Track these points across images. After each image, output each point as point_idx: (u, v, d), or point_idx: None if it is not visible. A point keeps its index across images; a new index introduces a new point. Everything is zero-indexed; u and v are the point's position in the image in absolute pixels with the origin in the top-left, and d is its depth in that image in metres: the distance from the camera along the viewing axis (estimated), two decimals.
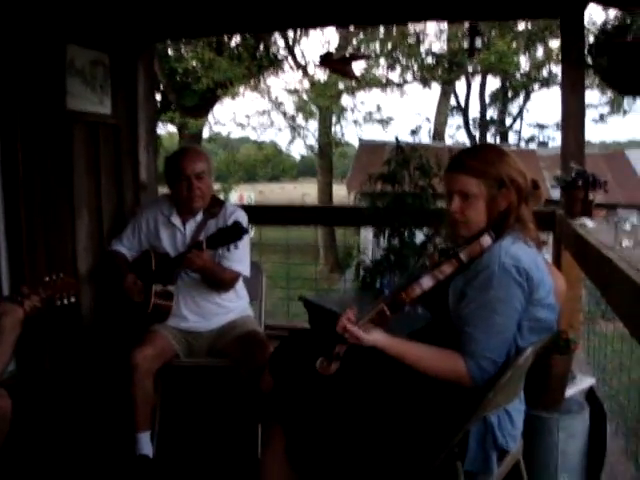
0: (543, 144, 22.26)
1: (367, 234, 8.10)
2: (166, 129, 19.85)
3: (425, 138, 17.26)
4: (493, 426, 2.05)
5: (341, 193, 19.33)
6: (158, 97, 15.39)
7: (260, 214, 4.62)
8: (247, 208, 3.36)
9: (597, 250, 2.37)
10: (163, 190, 3.53)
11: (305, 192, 32.06)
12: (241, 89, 15.74)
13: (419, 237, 3.97)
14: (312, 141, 18.21)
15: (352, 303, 2.16)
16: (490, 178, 2.05)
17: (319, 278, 13.57)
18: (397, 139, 4.17)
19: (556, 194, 3.99)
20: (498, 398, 1.97)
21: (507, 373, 1.93)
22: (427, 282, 2.05)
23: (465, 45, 11.88)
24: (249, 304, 3.47)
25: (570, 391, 2.92)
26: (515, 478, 2.35)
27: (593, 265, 2.51)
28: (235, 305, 3.32)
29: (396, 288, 2.13)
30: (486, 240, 2.05)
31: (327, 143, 17.22)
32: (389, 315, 2.05)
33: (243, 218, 3.19)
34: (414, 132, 5.47)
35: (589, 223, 3.32)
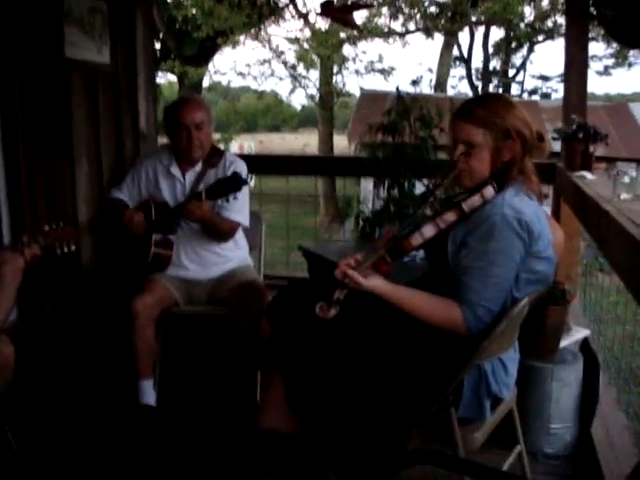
0: (546, 96, 22.13)
1: (367, 185, 8.07)
2: (166, 78, 19.73)
3: (427, 89, 17.09)
4: (487, 374, 2.09)
5: (342, 144, 19.21)
6: (157, 46, 15.20)
7: (260, 164, 4.61)
8: (247, 158, 3.35)
9: (595, 203, 2.38)
10: (163, 140, 3.52)
11: (306, 142, 31.90)
12: (241, 38, 15.52)
13: (419, 188, 3.98)
14: (313, 91, 18.08)
15: (352, 253, 2.16)
16: (496, 129, 2.04)
17: (319, 228, 13.65)
18: (397, 89, 4.14)
19: (557, 146, 3.99)
20: (493, 347, 1.99)
21: (502, 323, 1.95)
22: (428, 231, 2.06)
23: None
24: (248, 254, 3.49)
25: (565, 342, 2.96)
26: (509, 425, 2.40)
27: (591, 218, 2.52)
28: (234, 254, 3.34)
29: (397, 235, 2.12)
30: (489, 191, 2.04)
31: (328, 93, 17.05)
32: (389, 262, 2.07)
33: (242, 168, 3.19)
34: (415, 82, 5.36)
35: (588, 176, 3.33)
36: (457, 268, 2.03)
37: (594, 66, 21.42)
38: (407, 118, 4.01)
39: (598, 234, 2.32)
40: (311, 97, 18.47)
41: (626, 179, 2.98)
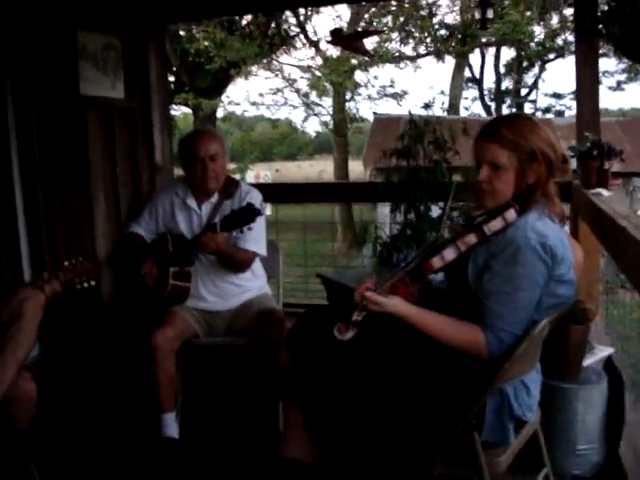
0: (560, 114, 22.09)
1: (384, 210, 8.08)
2: (180, 110, 19.90)
3: (439, 111, 17.14)
4: (509, 397, 2.07)
5: (358, 169, 19.29)
6: (171, 79, 15.39)
7: (277, 192, 4.64)
8: (263, 186, 3.38)
9: (611, 219, 2.36)
10: (179, 172, 3.55)
11: (322, 169, 31.98)
12: (254, 68, 15.69)
13: (434, 211, 3.98)
14: (327, 118, 18.17)
15: (370, 278, 2.16)
16: (522, 151, 2.04)
17: (337, 255, 13.65)
18: (410, 113, 4.16)
19: (573, 164, 3.98)
20: (514, 369, 1.98)
21: (522, 344, 1.94)
22: (449, 253, 2.06)
23: (477, 16, 11.73)
24: (267, 283, 3.51)
25: (588, 361, 2.92)
26: (534, 448, 2.37)
27: (608, 234, 2.50)
28: (252, 284, 3.35)
29: (417, 257, 2.13)
30: (511, 214, 2.04)
31: (342, 119, 17.11)
32: (410, 284, 2.08)
33: (257, 198, 3.21)
34: (427, 106, 5.34)
35: (605, 193, 3.31)
36: (479, 291, 2.02)
37: (606, 82, 21.43)
38: (420, 142, 4.02)
39: (616, 251, 2.30)
40: (325, 124, 18.59)
41: None
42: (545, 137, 2.08)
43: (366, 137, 16.45)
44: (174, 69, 14.82)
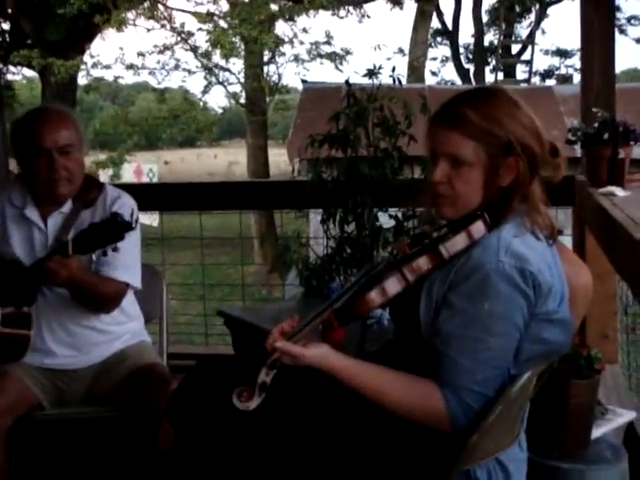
0: (565, 79, 22.39)
1: (318, 219, 8.03)
2: (22, 75, 19.62)
3: (391, 80, 17.28)
4: None
5: (282, 160, 19.33)
6: (5, 26, 15.17)
7: (166, 195, 4.64)
8: (146, 188, 3.35)
9: (625, 231, 2.41)
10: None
11: (231, 160, 31.94)
12: (130, 15, 15.60)
13: (384, 220, 4.04)
14: (236, 87, 18.19)
15: (292, 316, 2.19)
16: (494, 142, 2.06)
17: (253, 283, 13.58)
18: (348, 83, 4.22)
19: (577, 152, 4.08)
20: (485, 444, 2.01)
21: (495, 409, 1.98)
22: (393, 285, 2.08)
23: None
24: (145, 326, 3.50)
25: (599, 430, 2.96)
26: None
27: (620, 251, 2.56)
28: (123, 329, 3.33)
29: (349, 289, 2.17)
30: (478, 229, 2.07)
31: (258, 90, 17.16)
32: (339, 328, 2.09)
33: (127, 206, 3.14)
34: (372, 73, 5.30)
35: (619, 192, 3.37)
36: (435, 336, 2.06)
37: (632, 32, 21.94)
38: (363, 123, 4.09)
39: (631, 274, 2.36)
40: (234, 96, 18.56)
41: None
42: (527, 121, 2.10)
43: (293, 115, 16.44)
44: (8, 11, 14.57)
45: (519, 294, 1.99)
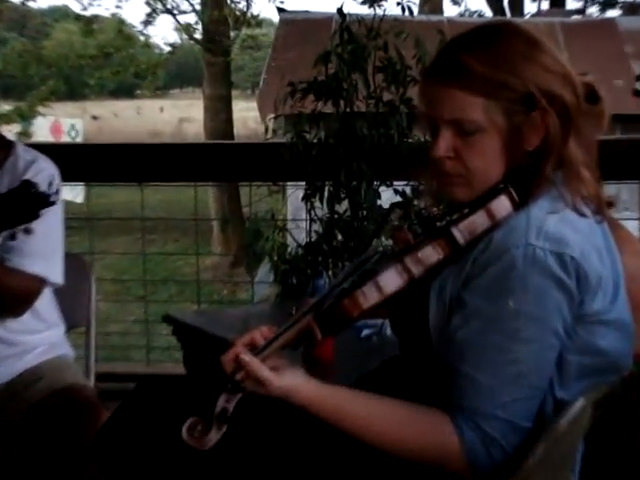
0: (632, 8, 22.29)
1: (299, 194, 7.93)
2: None
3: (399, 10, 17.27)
4: None
5: (251, 117, 19.34)
6: None
7: (92, 162, 4.61)
8: (65, 151, 3.33)
9: None
10: None
11: (182, 116, 31.86)
12: None
13: (386, 197, 4.05)
14: (190, 17, 18.20)
15: (264, 323, 2.19)
16: (510, 95, 2.04)
17: (211, 279, 13.49)
18: (341, 13, 4.24)
19: None
20: None
21: (536, 448, 1.95)
22: (390, 280, 2.07)
23: None
24: (66, 335, 3.52)
25: None
26: None
27: None
28: (36, 340, 3.33)
29: (335, 287, 2.17)
30: (501, 205, 2.07)
31: (220, 21, 17.15)
32: (322, 339, 2.08)
33: (45, 175, 3.14)
34: (374, 0, 5.25)
35: None
36: (447, 346, 2.05)
37: None
38: (361, 67, 4.12)
39: None
40: (187, 30, 18.52)
41: None
42: (550, 63, 2.07)
43: (267, 56, 16.37)
44: None
45: (557, 287, 1.95)
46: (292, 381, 2.03)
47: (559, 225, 1.99)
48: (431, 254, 2.08)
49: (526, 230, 1.98)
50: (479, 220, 2.06)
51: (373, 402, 2.08)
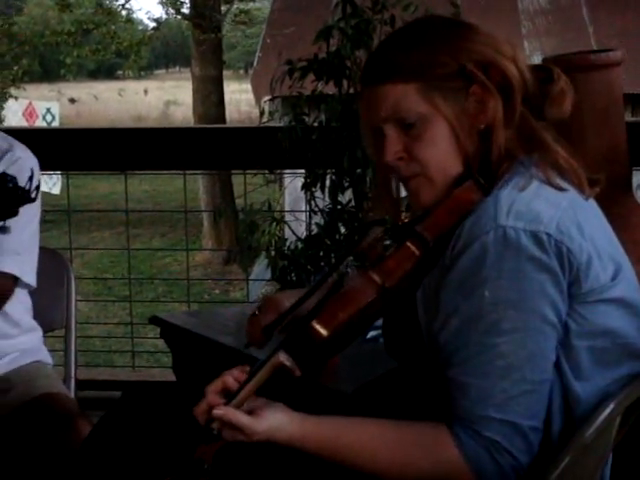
0: None
1: (297, 184, 7.98)
2: None
3: None
4: None
5: (244, 100, 19.47)
6: None
7: (70, 149, 4.59)
8: (40, 137, 3.33)
9: None
10: None
11: (169, 99, 32.16)
12: None
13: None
14: None
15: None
16: (443, 72, 2.10)
17: (202, 277, 13.60)
18: None
19: None
20: None
21: (559, 461, 1.95)
22: (358, 293, 2.11)
23: None
24: (43, 339, 3.49)
25: None
26: None
27: None
28: (9, 345, 3.36)
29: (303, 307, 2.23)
30: (467, 192, 2.12)
31: None
32: (299, 373, 2.09)
33: (24, 167, 3.08)
34: None
35: None
36: (438, 352, 2.08)
37: None
38: (366, 44, 4.08)
39: None
40: (174, 4, 18.67)
41: None
42: (481, 38, 2.15)
43: (261, 33, 16.47)
44: None
45: (535, 268, 1.97)
46: (273, 422, 2.06)
47: (533, 201, 2.03)
48: (401, 259, 2.12)
49: (495, 212, 2.01)
50: (444, 212, 2.13)
51: (364, 427, 2.12)
